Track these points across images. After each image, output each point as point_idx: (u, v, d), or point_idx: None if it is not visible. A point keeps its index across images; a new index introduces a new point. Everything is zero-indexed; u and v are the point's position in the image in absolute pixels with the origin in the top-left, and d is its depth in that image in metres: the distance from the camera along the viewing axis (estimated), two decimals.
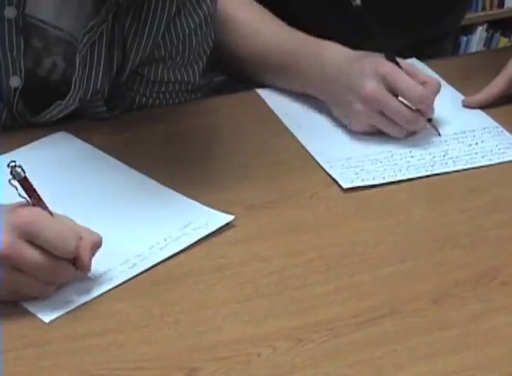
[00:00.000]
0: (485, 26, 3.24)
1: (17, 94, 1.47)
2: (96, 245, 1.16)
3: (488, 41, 3.25)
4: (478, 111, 1.58)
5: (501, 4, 3.22)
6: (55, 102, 1.49)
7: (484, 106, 1.58)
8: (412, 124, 1.48)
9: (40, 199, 1.14)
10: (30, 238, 1.10)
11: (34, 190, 1.14)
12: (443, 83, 1.63)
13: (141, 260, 1.23)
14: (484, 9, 3.20)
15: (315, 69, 1.57)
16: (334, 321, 1.14)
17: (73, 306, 1.16)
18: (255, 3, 1.67)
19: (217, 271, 1.23)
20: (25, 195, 1.13)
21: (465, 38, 3.19)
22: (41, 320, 1.13)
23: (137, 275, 1.21)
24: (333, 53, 1.57)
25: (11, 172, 1.12)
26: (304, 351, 1.10)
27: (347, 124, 1.53)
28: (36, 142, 1.45)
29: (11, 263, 1.10)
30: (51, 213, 1.15)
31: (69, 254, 1.12)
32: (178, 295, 1.19)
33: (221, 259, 1.25)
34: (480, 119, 1.56)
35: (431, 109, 1.48)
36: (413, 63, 1.69)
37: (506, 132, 1.52)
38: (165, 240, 1.26)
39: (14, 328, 1.13)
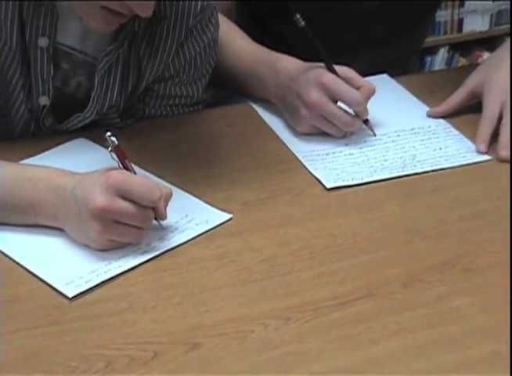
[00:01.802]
0: (447, 48, 3.24)
1: (45, 111, 1.48)
2: (169, 197, 1.24)
3: (449, 61, 3.25)
4: (442, 120, 1.58)
5: (460, 29, 3.22)
6: (74, 114, 1.50)
7: (447, 116, 1.58)
8: (350, 126, 1.50)
9: (127, 162, 1.25)
10: (123, 194, 1.18)
11: (124, 156, 1.23)
12: (411, 96, 1.65)
13: (151, 248, 1.24)
14: (445, 33, 3.20)
15: (271, 78, 1.59)
16: (317, 302, 1.15)
17: (91, 285, 1.17)
18: (229, 21, 1.68)
19: (216, 259, 1.24)
20: (116, 159, 1.24)
21: (429, 58, 3.20)
22: (66, 296, 1.14)
23: (146, 261, 1.22)
24: (286, 64, 1.58)
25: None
26: (291, 328, 1.11)
27: (294, 126, 1.54)
28: (59, 147, 1.46)
29: (110, 216, 1.17)
30: (135, 172, 1.25)
31: (154, 204, 1.21)
32: (182, 280, 1.20)
33: (220, 249, 1.26)
34: (444, 128, 1.56)
35: (366, 111, 1.50)
36: (384, 79, 1.71)
37: (465, 139, 1.52)
38: (172, 232, 1.27)
39: (41, 308, 1.13)
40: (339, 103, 1.48)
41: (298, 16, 1.51)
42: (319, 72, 1.49)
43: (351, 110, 1.49)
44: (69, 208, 1.22)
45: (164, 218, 1.25)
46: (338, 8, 1.78)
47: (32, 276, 1.18)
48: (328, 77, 1.48)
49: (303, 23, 1.52)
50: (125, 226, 1.21)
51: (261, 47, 1.65)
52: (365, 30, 1.80)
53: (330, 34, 1.73)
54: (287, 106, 1.55)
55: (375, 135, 1.53)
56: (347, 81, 1.49)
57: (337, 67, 1.50)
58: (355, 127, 1.51)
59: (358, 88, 1.49)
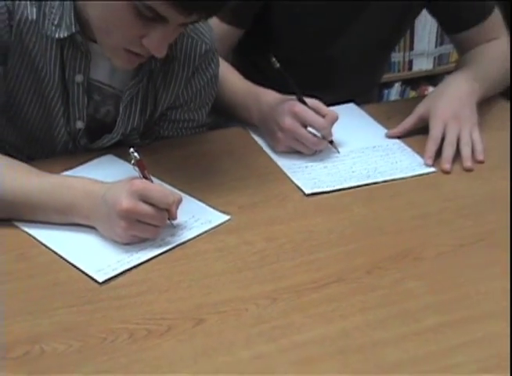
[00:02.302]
0: (400, 83, 3.25)
1: (80, 133, 1.48)
2: (179, 201, 1.24)
3: (402, 93, 3.26)
4: (397, 140, 1.57)
5: (410, 68, 3.23)
6: (104, 135, 1.50)
7: (401, 137, 1.58)
8: (317, 146, 1.50)
9: (146, 173, 1.26)
10: (144, 198, 1.19)
11: (144, 167, 1.25)
12: (372, 121, 1.66)
13: (165, 243, 1.24)
14: (399, 71, 3.21)
15: (255, 107, 1.58)
16: (299, 286, 1.15)
17: (117, 272, 1.17)
18: (226, 63, 1.67)
19: (217, 251, 1.24)
20: (138, 170, 1.25)
21: (386, 91, 3.20)
22: (97, 281, 1.15)
23: (161, 253, 1.22)
24: (267, 97, 1.58)
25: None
26: (278, 307, 1.11)
27: (273, 146, 1.54)
28: (91, 162, 1.46)
29: (134, 216, 1.19)
30: (152, 181, 1.26)
31: (168, 206, 1.22)
32: (190, 268, 1.20)
33: (220, 243, 1.26)
34: (399, 146, 1.55)
35: (330, 134, 1.49)
36: (351, 107, 1.71)
37: (416, 154, 1.51)
38: (181, 230, 1.27)
39: (76, 290, 1.14)
40: (308, 128, 1.48)
41: (274, 59, 1.52)
42: (292, 103, 1.49)
43: (318, 133, 1.49)
44: (99, 210, 1.22)
45: (175, 218, 1.25)
46: (313, 53, 1.78)
47: (69, 265, 1.18)
48: (299, 107, 1.48)
49: (278, 64, 1.53)
50: (145, 225, 1.21)
51: (249, 83, 1.65)
52: (335, 71, 1.80)
53: (307, 73, 1.74)
54: (268, 130, 1.55)
55: (339, 152, 1.52)
56: (315, 110, 1.49)
57: (307, 99, 1.50)
58: (321, 146, 1.50)
59: (324, 116, 1.49)
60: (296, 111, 1.47)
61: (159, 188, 1.24)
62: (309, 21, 1.72)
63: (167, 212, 1.23)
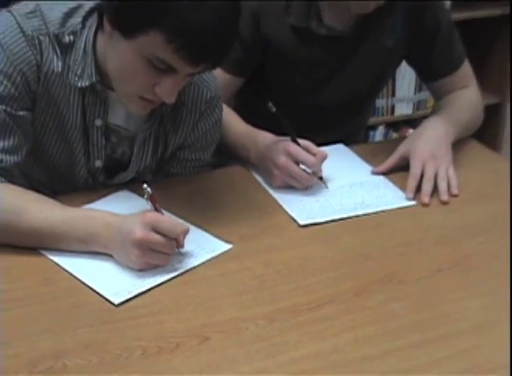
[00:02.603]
0: (384, 125, 3.25)
1: (99, 170, 1.48)
2: (187, 232, 1.24)
3: (386, 135, 3.26)
4: (381, 176, 1.57)
5: (392, 112, 3.24)
6: (120, 172, 1.50)
7: (385, 173, 1.58)
8: (308, 181, 1.50)
9: (157, 206, 1.25)
10: (155, 229, 1.19)
11: (156, 201, 1.25)
12: (359, 159, 1.65)
13: (174, 269, 1.24)
14: (382, 115, 3.21)
15: (253, 147, 1.59)
16: (294, 307, 1.15)
17: (132, 295, 1.17)
18: (229, 108, 1.68)
19: (220, 276, 1.24)
20: (150, 203, 1.25)
21: (372, 133, 3.20)
22: (113, 303, 1.15)
23: (171, 278, 1.22)
24: (263, 138, 1.58)
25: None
26: (275, 326, 1.11)
27: (270, 183, 1.54)
28: (109, 196, 1.45)
29: (147, 245, 1.18)
30: (163, 213, 1.26)
31: (177, 236, 1.22)
32: (196, 292, 1.20)
33: (223, 269, 1.25)
34: (383, 182, 1.55)
35: (320, 170, 1.50)
36: (340, 147, 1.71)
37: (398, 189, 1.51)
38: (189, 258, 1.27)
39: (95, 311, 1.14)
40: (301, 165, 1.49)
41: (270, 104, 1.53)
42: (286, 143, 1.50)
43: (309, 170, 1.50)
44: (116, 239, 1.22)
45: (183, 246, 1.25)
46: (304, 100, 1.80)
47: (89, 289, 1.18)
48: (292, 147, 1.49)
49: (274, 109, 1.53)
50: (156, 253, 1.21)
51: (248, 126, 1.66)
52: (325, 115, 1.81)
53: (300, 117, 1.74)
54: (265, 167, 1.55)
55: (327, 187, 1.52)
56: (306, 149, 1.49)
57: (300, 140, 1.51)
58: (311, 182, 1.51)
59: (314, 154, 1.49)
60: (289, 150, 1.48)
61: (169, 219, 1.25)
62: (298, 73, 1.74)
63: (175, 241, 1.23)
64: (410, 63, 1.85)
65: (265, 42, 1.69)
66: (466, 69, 1.80)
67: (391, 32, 1.70)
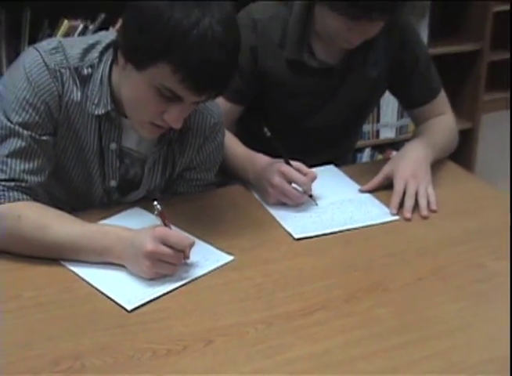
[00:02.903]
0: (370, 148, 3.25)
1: (113, 189, 1.48)
2: (192, 245, 1.25)
3: (372, 157, 3.26)
4: (368, 194, 1.57)
5: (377, 136, 3.24)
6: (132, 191, 1.51)
7: (371, 191, 1.57)
8: (299, 199, 1.50)
9: (166, 221, 1.26)
10: (164, 242, 1.19)
11: (165, 217, 1.26)
12: (348, 179, 1.65)
13: (181, 278, 1.24)
14: (368, 138, 3.21)
15: (251, 168, 1.58)
16: (290, 313, 1.16)
17: (143, 302, 1.17)
18: (230, 133, 1.66)
19: (223, 285, 1.24)
20: (160, 219, 1.26)
21: (359, 155, 3.20)
22: (126, 309, 1.15)
23: (178, 287, 1.22)
24: (260, 160, 1.58)
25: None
26: (273, 330, 1.12)
27: (265, 200, 1.53)
28: (122, 213, 1.45)
29: (156, 256, 1.19)
30: (171, 228, 1.26)
31: (184, 248, 1.22)
32: (201, 299, 1.20)
33: (226, 279, 1.25)
34: (369, 199, 1.55)
35: (310, 189, 1.50)
36: (331, 168, 1.71)
37: (383, 205, 1.51)
38: (194, 268, 1.26)
39: (109, 316, 1.14)
40: (293, 184, 1.49)
41: (266, 129, 1.53)
42: (279, 164, 1.50)
43: (300, 189, 1.50)
44: (129, 252, 1.23)
45: (189, 258, 1.25)
46: (297, 126, 1.80)
47: (104, 296, 1.18)
48: (285, 168, 1.49)
49: (269, 134, 1.53)
50: (165, 263, 1.21)
51: (247, 149, 1.66)
52: (317, 140, 1.82)
53: (293, 141, 1.75)
54: (261, 186, 1.55)
55: (316, 204, 1.52)
56: (298, 170, 1.50)
57: (293, 162, 1.51)
58: (302, 200, 1.50)
59: (305, 175, 1.50)
60: (283, 171, 1.48)
61: (176, 233, 1.25)
62: (293, 102, 1.75)
63: (183, 253, 1.23)
64: (393, 93, 1.86)
65: (263, 74, 1.70)
66: (442, 98, 1.81)
67: (374, 65, 1.70)
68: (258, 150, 1.63)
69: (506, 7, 4.04)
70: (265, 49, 1.67)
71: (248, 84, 1.69)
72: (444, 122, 1.78)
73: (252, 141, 1.68)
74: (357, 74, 1.71)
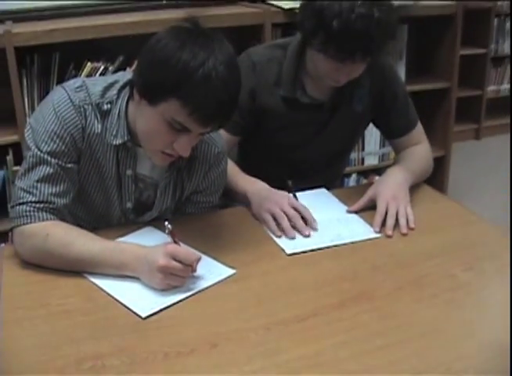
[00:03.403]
0: (356, 173, 3.25)
1: (129, 210, 1.49)
2: (199, 260, 1.24)
3: (357, 181, 3.26)
4: (354, 214, 1.57)
5: (362, 163, 3.24)
6: (146, 212, 1.51)
7: (357, 212, 1.57)
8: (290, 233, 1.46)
9: (176, 239, 1.26)
10: (174, 257, 1.20)
11: (175, 235, 1.27)
12: (337, 200, 1.65)
13: (189, 289, 1.24)
14: (354, 165, 3.22)
15: (251, 192, 1.58)
16: (286, 319, 1.16)
17: (155, 310, 1.17)
18: (231, 161, 1.67)
19: (226, 295, 1.24)
20: (170, 237, 1.27)
21: (346, 180, 3.20)
22: (140, 316, 1.15)
23: (187, 297, 1.21)
24: (259, 185, 1.59)
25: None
26: (271, 334, 1.12)
27: (262, 221, 1.52)
28: (137, 231, 1.45)
29: (168, 270, 1.19)
30: (180, 245, 1.26)
31: (191, 263, 1.22)
32: (206, 307, 1.20)
33: (228, 289, 1.25)
34: (355, 218, 1.55)
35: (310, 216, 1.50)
36: (322, 191, 1.71)
37: (367, 224, 1.51)
38: (200, 280, 1.26)
39: (126, 322, 1.14)
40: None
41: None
42: (286, 195, 1.54)
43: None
44: (143, 266, 1.23)
45: (196, 271, 1.25)
46: (291, 155, 1.82)
47: (121, 305, 1.19)
48: (291, 199, 1.52)
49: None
50: (175, 276, 1.21)
51: (246, 176, 1.67)
52: (310, 167, 1.83)
53: (291, 167, 1.78)
54: (260, 208, 1.53)
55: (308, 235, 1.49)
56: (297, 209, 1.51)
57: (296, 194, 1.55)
58: (292, 234, 1.46)
59: (303, 217, 1.50)
60: (290, 203, 1.50)
61: (185, 250, 1.25)
62: (287, 134, 1.76)
63: (191, 267, 1.23)
64: (375, 125, 1.87)
65: (260, 110, 1.71)
66: (419, 129, 1.83)
67: (359, 101, 1.72)
68: (255, 176, 1.65)
69: (472, 51, 4.10)
70: (263, 88, 1.69)
71: (245, 119, 1.71)
72: (421, 151, 1.79)
73: (250, 167, 1.69)
74: (344, 109, 1.73)
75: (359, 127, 1.86)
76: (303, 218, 1.49)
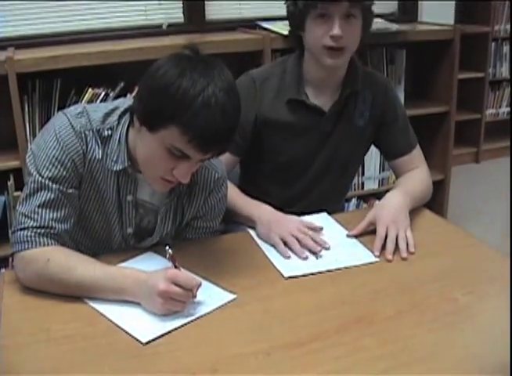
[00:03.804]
0: (356, 198, 3.26)
1: (130, 236, 1.49)
2: (199, 285, 1.25)
3: (358, 205, 3.27)
4: (354, 239, 1.57)
5: (363, 187, 3.25)
6: (147, 238, 1.51)
7: (357, 236, 1.58)
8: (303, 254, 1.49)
9: (176, 264, 1.26)
10: (175, 282, 1.19)
11: (175, 260, 1.27)
12: (338, 225, 1.65)
13: (190, 314, 1.23)
14: (355, 190, 3.23)
15: (257, 216, 1.60)
16: (286, 344, 1.15)
17: (156, 335, 1.16)
18: (233, 185, 1.69)
19: (226, 320, 1.23)
20: (171, 262, 1.27)
21: (347, 204, 3.21)
22: (140, 341, 1.15)
23: (187, 322, 1.21)
24: (266, 209, 1.62)
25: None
26: (271, 359, 1.11)
27: (267, 241, 1.55)
28: (138, 257, 1.46)
29: (168, 295, 1.18)
30: (180, 270, 1.26)
31: (192, 288, 1.22)
32: (207, 332, 1.19)
33: (228, 315, 1.25)
34: (355, 243, 1.55)
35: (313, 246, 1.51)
36: (324, 215, 1.72)
37: (366, 249, 1.51)
38: (200, 305, 1.26)
39: (126, 347, 1.14)
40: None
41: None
42: (296, 220, 1.57)
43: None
44: (144, 291, 1.23)
45: (196, 297, 1.25)
46: (299, 171, 1.84)
47: (121, 330, 1.19)
48: (299, 222, 1.56)
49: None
50: (176, 301, 1.21)
51: (248, 198, 1.69)
52: (313, 188, 1.86)
53: (294, 191, 1.81)
54: (264, 231, 1.56)
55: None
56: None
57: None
58: (304, 255, 1.49)
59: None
60: (297, 226, 1.54)
61: (185, 275, 1.25)
62: (291, 141, 1.79)
63: (191, 292, 1.23)
64: (376, 145, 1.91)
65: (263, 124, 1.76)
66: (418, 152, 1.86)
67: (361, 116, 1.78)
68: (256, 199, 1.67)
69: (470, 74, 4.13)
70: (264, 102, 1.74)
71: (246, 140, 1.75)
72: (420, 175, 1.81)
73: (255, 193, 1.71)
74: (346, 121, 1.78)
75: (362, 142, 1.88)
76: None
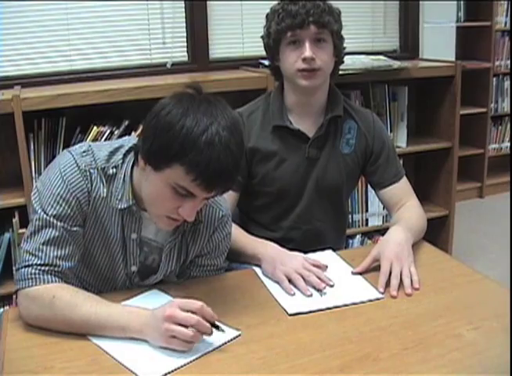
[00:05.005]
0: (360, 234, 3.25)
1: (134, 274, 1.49)
2: (203, 307, 1.24)
3: (362, 242, 3.26)
4: (359, 276, 1.57)
5: (367, 224, 3.26)
6: (151, 275, 1.51)
7: (362, 273, 1.58)
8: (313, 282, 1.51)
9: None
10: (181, 307, 1.21)
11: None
12: (343, 262, 1.66)
13: (194, 352, 1.23)
14: (359, 226, 3.23)
15: (262, 254, 1.62)
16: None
17: (159, 374, 1.15)
18: (236, 225, 1.70)
19: (231, 358, 1.23)
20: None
21: (351, 241, 3.21)
22: None
23: (191, 361, 1.21)
24: (271, 247, 1.63)
25: None
26: None
27: (272, 277, 1.56)
28: (142, 294, 1.46)
29: (175, 321, 1.19)
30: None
31: (197, 310, 1.22)
32: (211, 370, 1.19)
33: (233, 352, 1.25)
34: (360, 279, 1.55)
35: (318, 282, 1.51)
36: (329, 252, 1.73)
37: (371, 286, 1.51)
38: (206, 343, 1.25)
39: None
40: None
41: None
42: (301, 256, 1.58)
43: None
44: (150, 326, 1.23)
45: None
46: (286, 199, 1.87)
47: (125, 368, 1.18)
48: (303, 260, 1.56)
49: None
50: (183, 329, 1.20)
51: (252, 237, 1.71)
52: (312, 216, 1.89)
53: (290, 219, 1.83)
54: (270, 269, 1.57)
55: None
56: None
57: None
58: (308, 292, 1.49)
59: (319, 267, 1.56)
60: (302, 263, 1.54)
61: (191, 301, 1.25)
62: (278, 172, 1.82)
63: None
64: (365, 175, 1.94)
65: (252, 155, 1.81)
66: (406, 182, 1.90)
67: (347, 143, 1.84)
68: (257, 236, 1.70)
69: (472, 110, 4.17)
70: (252, 133, 1.81)
71: (242, 173, 1.79)
72: (413, 208, 1.84)
73: (256, 230, 1.72)
74: (331, 148, 1.83)
75: (349, 170, 1.89)
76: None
